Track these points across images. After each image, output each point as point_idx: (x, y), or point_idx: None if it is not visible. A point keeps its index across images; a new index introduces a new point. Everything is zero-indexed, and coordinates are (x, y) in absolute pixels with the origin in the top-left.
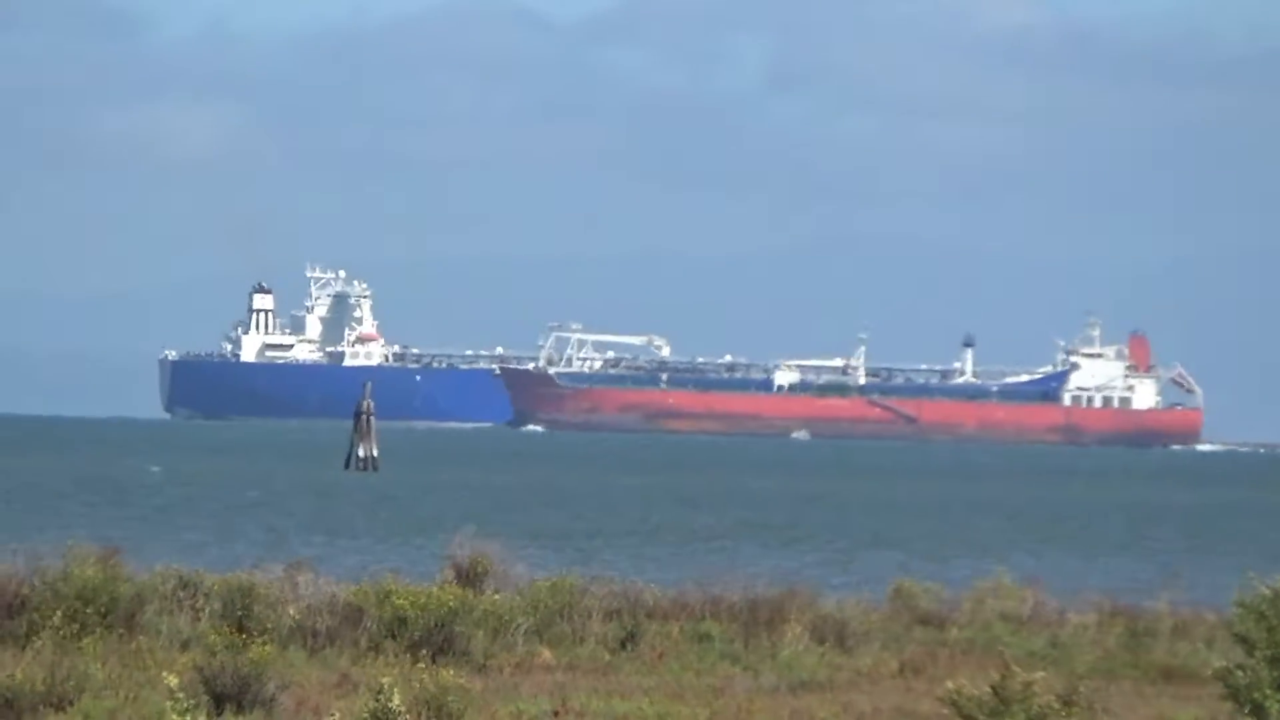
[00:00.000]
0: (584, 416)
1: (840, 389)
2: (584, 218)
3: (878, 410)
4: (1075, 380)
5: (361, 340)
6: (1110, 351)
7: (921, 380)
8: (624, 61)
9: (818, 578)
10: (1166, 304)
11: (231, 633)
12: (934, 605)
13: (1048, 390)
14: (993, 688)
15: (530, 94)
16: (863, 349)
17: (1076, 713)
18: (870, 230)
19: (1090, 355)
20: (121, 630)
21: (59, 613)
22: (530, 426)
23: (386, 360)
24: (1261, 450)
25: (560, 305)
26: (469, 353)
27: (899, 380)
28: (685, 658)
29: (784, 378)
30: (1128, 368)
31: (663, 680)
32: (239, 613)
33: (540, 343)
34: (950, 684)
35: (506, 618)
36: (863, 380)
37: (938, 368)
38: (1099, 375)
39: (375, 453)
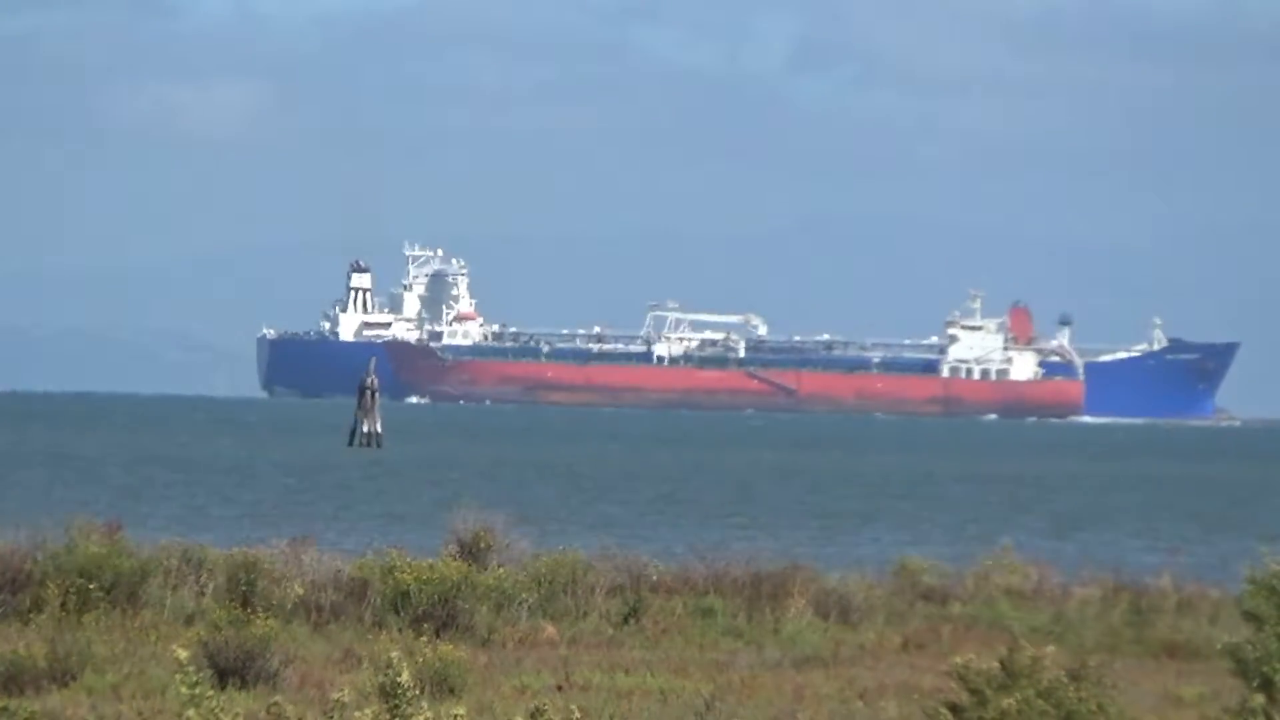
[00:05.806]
0: (464, 388)
1: (719, 361)
2: (615, 195)
3: (756, 383)
4: (954, 352)
5: (460, 319)
6: (991, 324)
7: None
8: (656, 39)
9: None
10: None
11: (235, 608)
12: (937, 580)
13: (927, 362)
14: (1001, 662)
15: (565, 71)
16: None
17: (1085, 688)
18: (906, 210)
19: (970, 327)
20: (124, 605)
21: (61, 587)
22: (412, 399)
23: (486, 339)
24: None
25: (643, 282)
26: (565, 331)
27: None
28: (688, 632)
29: (664, 350)
30: (1008, 340)
31: (666, 655)
32: (243, 588)
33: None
34: (958, 658)
35: (510, 592)
36: (742, 353)
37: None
38: (977, 347)
39: (379, 429)
